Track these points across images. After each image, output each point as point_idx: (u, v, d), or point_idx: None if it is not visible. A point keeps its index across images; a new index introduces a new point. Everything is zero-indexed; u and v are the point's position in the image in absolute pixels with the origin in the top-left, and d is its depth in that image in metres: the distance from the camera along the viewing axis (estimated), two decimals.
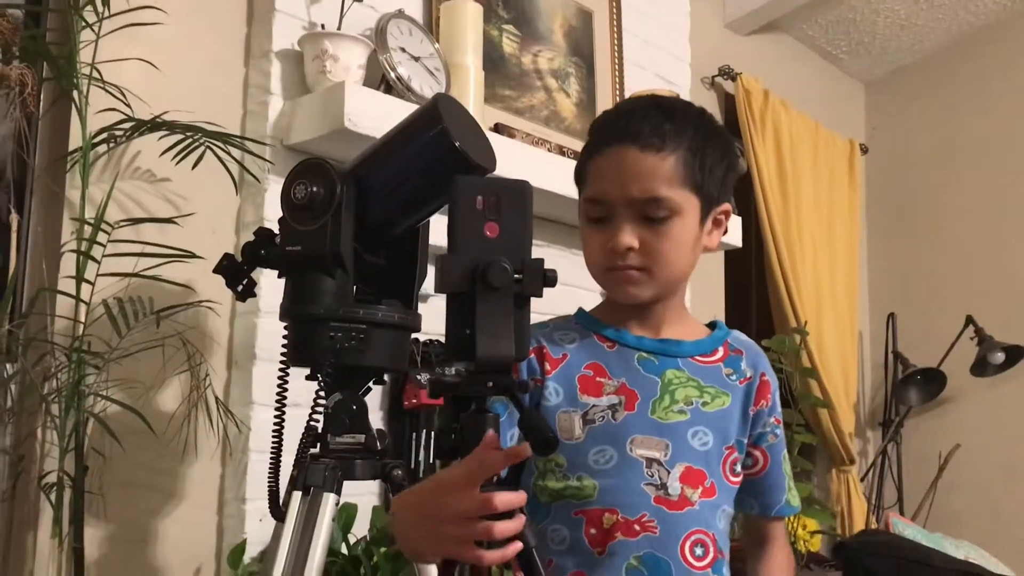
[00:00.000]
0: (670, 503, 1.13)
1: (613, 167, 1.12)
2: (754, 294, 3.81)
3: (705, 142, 1.13)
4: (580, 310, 1.27)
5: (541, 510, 1.17)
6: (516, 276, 0.86)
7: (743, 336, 1.28)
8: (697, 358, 1.21)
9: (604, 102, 2.70)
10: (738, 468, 1.21)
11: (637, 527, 1.12)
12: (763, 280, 3.58)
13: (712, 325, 1.28)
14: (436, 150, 1.21)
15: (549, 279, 0.88)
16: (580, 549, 1.13)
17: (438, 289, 0.86)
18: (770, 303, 3.55)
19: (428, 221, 1.37)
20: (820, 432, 3.62)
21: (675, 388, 1.17)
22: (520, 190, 0.91)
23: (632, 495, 1.12)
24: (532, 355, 1.17)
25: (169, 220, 1.75)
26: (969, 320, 3.81)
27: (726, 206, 1.19)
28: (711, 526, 1.15)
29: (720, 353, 1.23)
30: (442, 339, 0.89)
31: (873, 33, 4.07)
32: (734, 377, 1.22)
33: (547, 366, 1.17)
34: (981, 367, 3.78)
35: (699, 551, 1.13)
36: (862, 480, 3.91)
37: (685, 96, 2.95)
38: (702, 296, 3.20)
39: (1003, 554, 2.67)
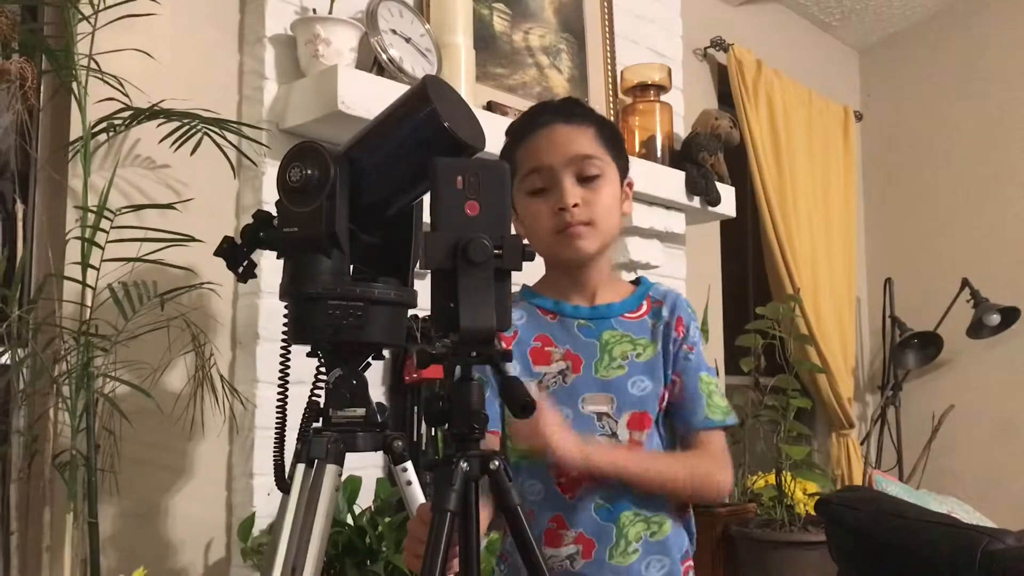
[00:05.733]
0: None
1: (548, 139, 1.31)
2: (751, 262, 3.85)
3: (604, 123, 1.36)
4: (524, 287, 1.41)
5: (513, 469, 1.28)
6: (496, 251, 0.92)
7: (662, 287, 1.42)
8: (626, 316, 1.36)
9: (596, 77, 2.73)
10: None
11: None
12: (760, 249, 3.62)
13: (636, 282, 1.42)
14: (426, 131, 1.25)
15: (527, 254, 0.94)
16: (554, 498, 1.28)
17: (422, 265, 0.91)
18: (766, 271, 3.59)
19: (422, 200, 1.41)
20: (819, 397, 3.67)
21: (612, 347, 1.32)
22: (498, 169, 0.96)
23: None
24: None
25: (169, 206, 1.80)
26: (965, 283, 3.85)
27: (630, 179, 1.39)
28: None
29: (644, 307, 1.37)
30: None
31: (865, 0, 4.08)
32: (659, 326, 1.36)
33: (502, 344, 1.27)
34: (977, 329, 3.82)
35: None
36: (862, 443, 3.96)
37: (677, 69, 2.97)
38: (699, 265, 3.23)
39: (997, 510, 2.72)
